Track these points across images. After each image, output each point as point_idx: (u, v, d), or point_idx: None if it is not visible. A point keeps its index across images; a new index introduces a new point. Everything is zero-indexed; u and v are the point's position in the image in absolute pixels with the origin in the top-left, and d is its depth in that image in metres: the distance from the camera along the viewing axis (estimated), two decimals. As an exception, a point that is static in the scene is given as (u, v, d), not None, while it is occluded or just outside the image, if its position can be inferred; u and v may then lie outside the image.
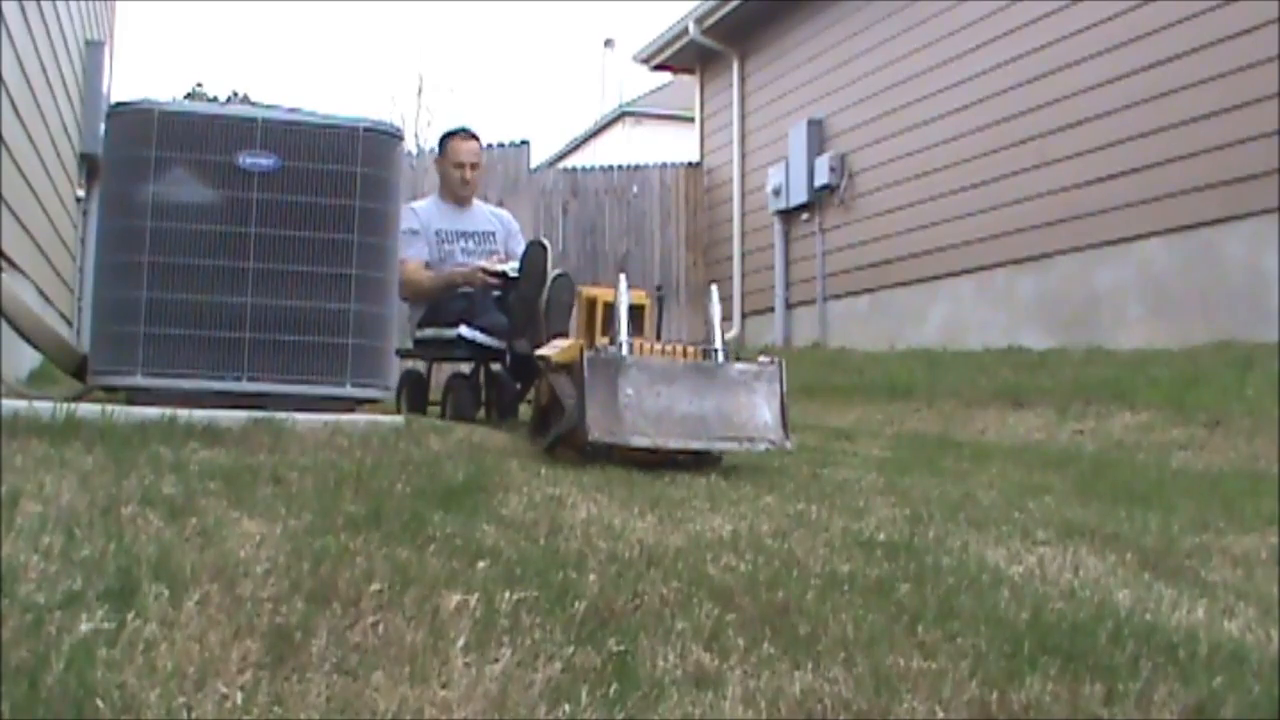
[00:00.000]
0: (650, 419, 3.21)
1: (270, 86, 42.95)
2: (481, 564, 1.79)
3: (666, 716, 1.31)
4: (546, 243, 4.46)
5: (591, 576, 1.78)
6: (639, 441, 3.19)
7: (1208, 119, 6.54)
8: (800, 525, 2.41)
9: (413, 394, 5.10)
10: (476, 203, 5.40)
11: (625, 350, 3.28)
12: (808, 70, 10.51)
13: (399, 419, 3.36)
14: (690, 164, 12.20)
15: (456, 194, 5.18)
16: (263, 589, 1.54)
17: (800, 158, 10.18)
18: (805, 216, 10.37)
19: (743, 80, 11.53)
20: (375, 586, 1.59)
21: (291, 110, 3.33)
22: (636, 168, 11.96)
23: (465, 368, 5.06)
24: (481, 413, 4.84)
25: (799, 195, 10.22)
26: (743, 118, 11.48)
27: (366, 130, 3.32)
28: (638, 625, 1.58)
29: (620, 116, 23.91)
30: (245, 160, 3.21)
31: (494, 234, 5.23)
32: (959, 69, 8.56)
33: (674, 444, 3.25)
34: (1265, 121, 6.15)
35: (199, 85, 20.56)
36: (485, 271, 4.78)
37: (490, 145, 10.95)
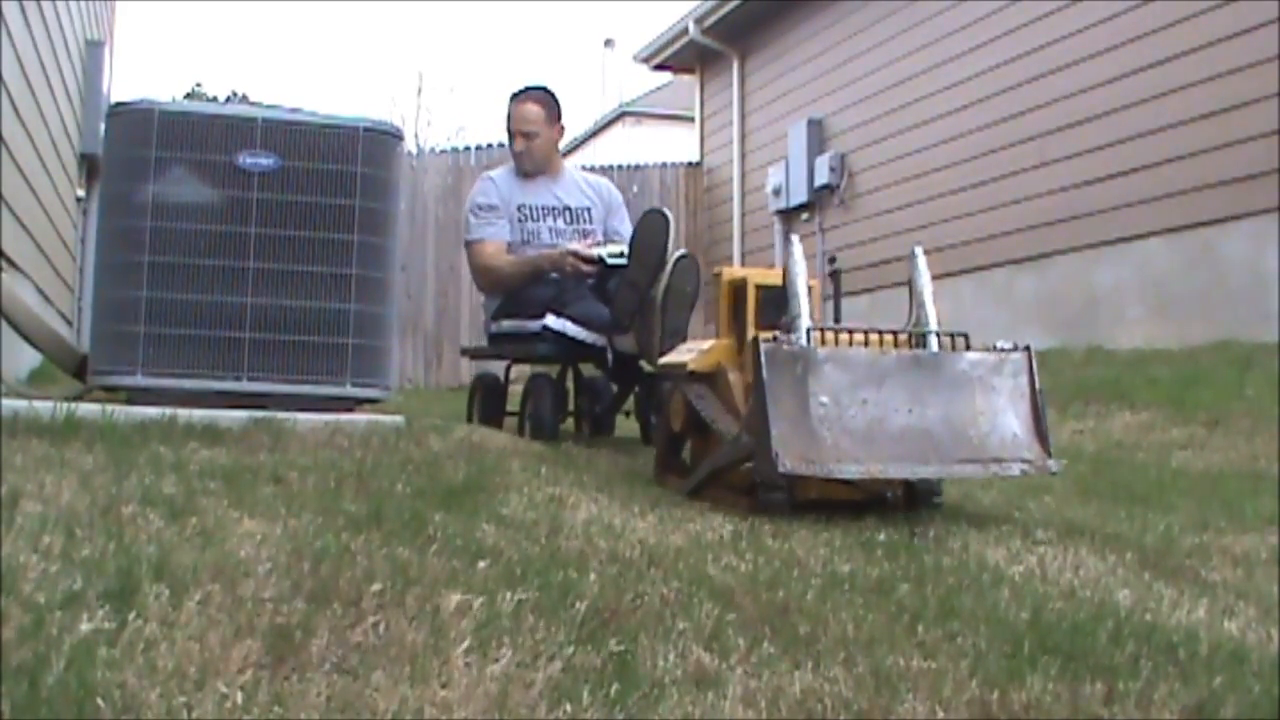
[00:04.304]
0: (858, 438, 2.29)
1: (270, 86, 43.12)
2: (482, 564, 1.79)
3: (666, 716, 1.31)
4: (668, 213, 3.50)
5: (592, 576, 1.78)
6: (848, 472, 2.30)
7: (1208, 119, 6.54)
8: (800, 525, 2.41)
9: (486, 401, 4.29)
10: (569, 170, 4.43)
11: (811, 339, 2.34)
12: (807, 70, 10.51)
13: (399, 419, 3.36)
14: (690, 164, 12.20)
15: (519, 165, 4.30)
16: (263, 589, 1.54)
17: (800, 157, 10.18)
18: (805, 216, 10.37)
19: (743, 80, 11.53)
20: (376, 586, 1.58)
21: (292, 110, 3.33)
22: (636, 168, 11.95)
23: (553, 369, 4.18)
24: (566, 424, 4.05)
25: (799, 195, 10.23)
26: (743, 118, 11.48)
27: (366, 130, 3.32)
28: (638, 625, 1.58)
29: (620, 116, 23.95)
30: (245, 160, 3.21)
31: (589, 210, 4.27)
32: (959, 69, 8.56)
33: (896, 472, 2.36)
34: (1265, 121, 6.16)
35: (199, 85, 20.59)
36: (575, 256, 3.93)
37: (491, 145, 10.96)
